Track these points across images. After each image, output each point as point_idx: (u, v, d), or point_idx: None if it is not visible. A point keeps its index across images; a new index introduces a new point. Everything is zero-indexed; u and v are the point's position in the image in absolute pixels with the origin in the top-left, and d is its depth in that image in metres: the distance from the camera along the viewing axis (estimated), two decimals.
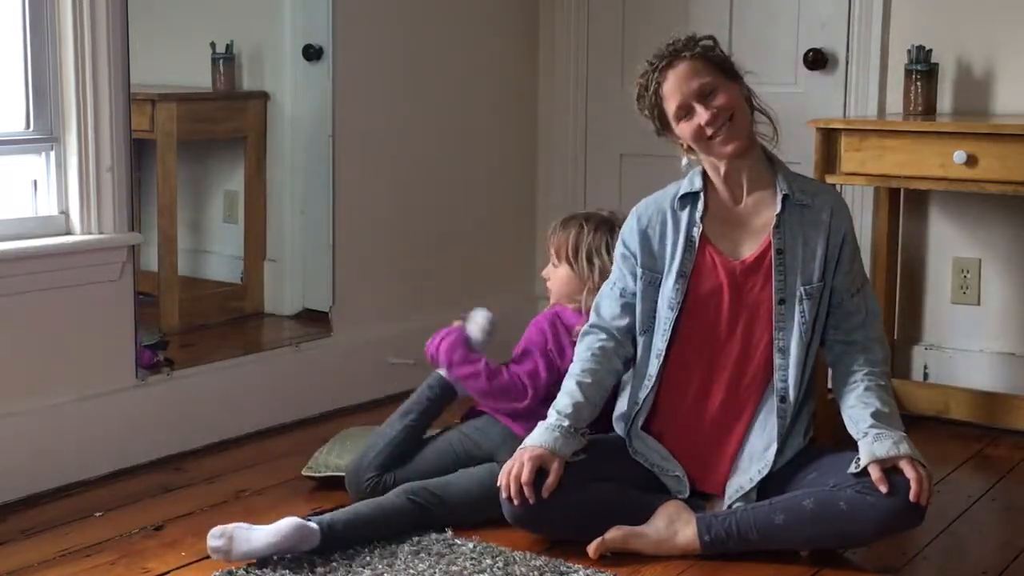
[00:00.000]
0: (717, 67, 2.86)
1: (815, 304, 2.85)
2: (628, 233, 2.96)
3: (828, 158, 3.53)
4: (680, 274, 2.87)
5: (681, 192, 2.92)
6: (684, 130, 2.85)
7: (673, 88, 2.84)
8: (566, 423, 2.82)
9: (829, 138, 3.54)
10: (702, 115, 2.81)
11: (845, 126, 3.56)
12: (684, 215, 2.91)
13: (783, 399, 2.84)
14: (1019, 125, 3.38)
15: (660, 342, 2.89)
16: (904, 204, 3.94)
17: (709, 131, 2.82)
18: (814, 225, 2.87)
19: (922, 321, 4.02)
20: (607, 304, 2.97)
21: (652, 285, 2.92)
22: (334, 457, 3.26)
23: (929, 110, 3.72)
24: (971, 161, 3.37)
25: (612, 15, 4.45)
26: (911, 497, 2.66)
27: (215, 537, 2.68)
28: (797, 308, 2.83)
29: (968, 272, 3.92)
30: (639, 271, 2.92)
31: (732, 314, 2.86)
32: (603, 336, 2.95)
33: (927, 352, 3.99)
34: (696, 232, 2.88)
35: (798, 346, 2.83)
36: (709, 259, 2.87)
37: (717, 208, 2.92)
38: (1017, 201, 3.76)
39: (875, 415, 2.77)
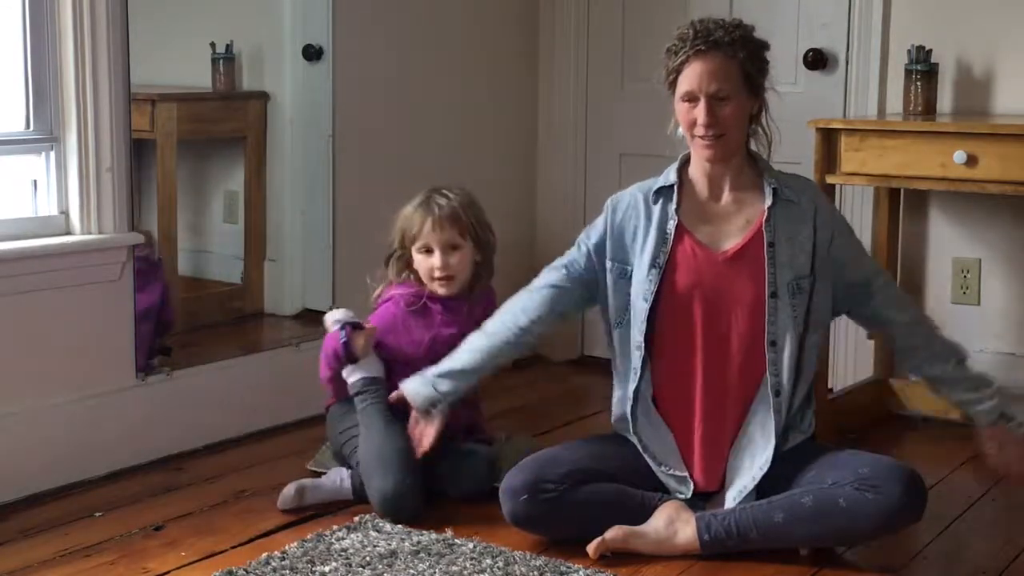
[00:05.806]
0: (745, 76, 2.83)
1: (806, 298, 2.85)
2: (601, 223, 2.96)
3: (828, 158, 3.53)
4: (653, 265, 2.87)
5: (657, 186, 2.93)
6: (681, 110, 2.85)
7: (693, 76, 2.81)
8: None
9: (829, 138, 3.54)
10: (701, 113, 2.81)
11: (845, 126, 3.56)
12: (658, 209, 2.91)
13: (777, 393, 2.83)
14: (1019, 125, 3.38)
15: (637, 335, 2.89)
16: (904, 204, 3.94)
17: (699, 131, 2.83)
18: (801, 221, 2.87)
19: None
20: (547, 271, 3.02)
21: (623, 277, 2.92)
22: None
23: (929, 110, 3.72)
24: (971, 161, 3.36)
25: (612, 15, 4.45)
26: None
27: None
28: (789, 302, 2.84)
29: (968, 272, 3.91)
30: (608, 263, 2.93)
31: (714, 307, 2.85)
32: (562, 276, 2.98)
33: None
34: (671, 226, 2.88)
35: (790, 340, 2.83)
36: (688, 250, 2.87)
37: (694, 203, 2.91)
38: (1017, 201, 3.76)
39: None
